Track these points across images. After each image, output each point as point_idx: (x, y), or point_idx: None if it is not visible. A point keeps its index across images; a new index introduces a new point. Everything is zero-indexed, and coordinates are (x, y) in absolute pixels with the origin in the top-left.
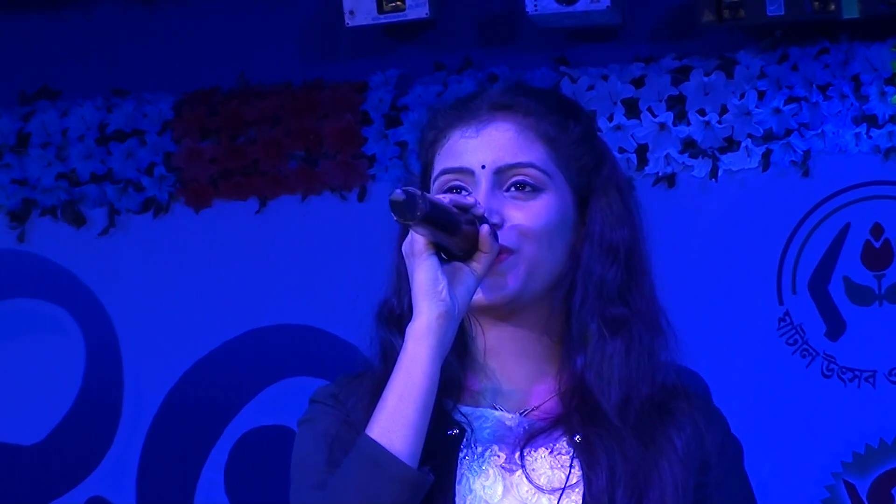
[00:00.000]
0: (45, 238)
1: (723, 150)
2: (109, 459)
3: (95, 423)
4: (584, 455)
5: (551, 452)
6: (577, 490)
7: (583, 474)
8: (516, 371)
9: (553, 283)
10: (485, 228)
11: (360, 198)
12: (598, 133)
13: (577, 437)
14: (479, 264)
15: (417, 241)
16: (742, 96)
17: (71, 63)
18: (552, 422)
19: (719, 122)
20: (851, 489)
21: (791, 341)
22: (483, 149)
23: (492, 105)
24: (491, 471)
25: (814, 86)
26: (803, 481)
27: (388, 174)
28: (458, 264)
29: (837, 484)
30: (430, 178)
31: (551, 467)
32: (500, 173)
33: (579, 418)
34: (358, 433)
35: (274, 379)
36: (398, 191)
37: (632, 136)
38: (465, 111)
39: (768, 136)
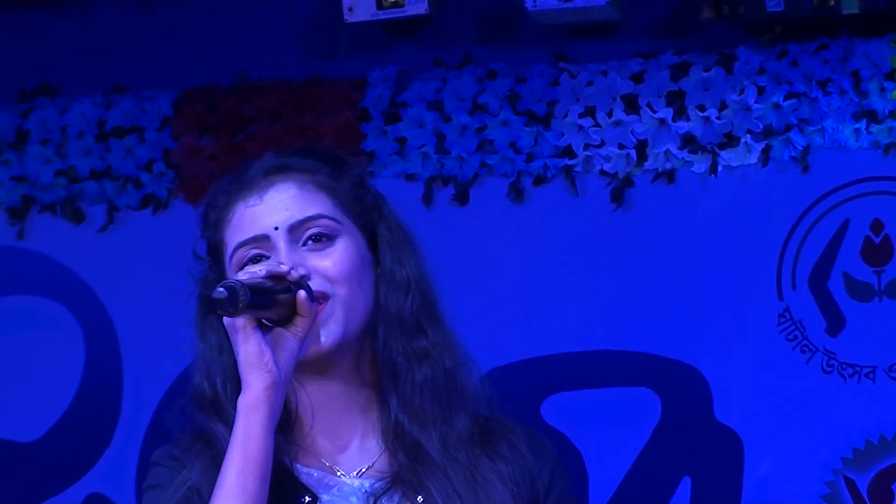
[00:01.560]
0: (45, 235)
1: (722, 146)
2: (108, 456)
3: (94, 420)
4: None
5: None
6: None
7: None
8: (345, 427)
9: (365, 327)
10: (301, 294)
11: None
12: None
13: (419, 498)
14: (298, 328)
15: (231, 321)
16: (741, 92)
17: (70, 60)
18: (389, 481)
19: (719, 118)
20: (851, 485)
21: (791, 337)
22: (270, 212)
23: (266, 171)
24: None
25: (813, 81)
26: (803, 477)
27: (388, 170)
28: (279, 330)
29: (837, 480)
30: (223, 255)
31: None
32: (293, 230)
33: (408, 466)
34: (203, 499)
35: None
36: (220, 289)
37: (631, 131)
38: (242, 183)
39: (768, 132)
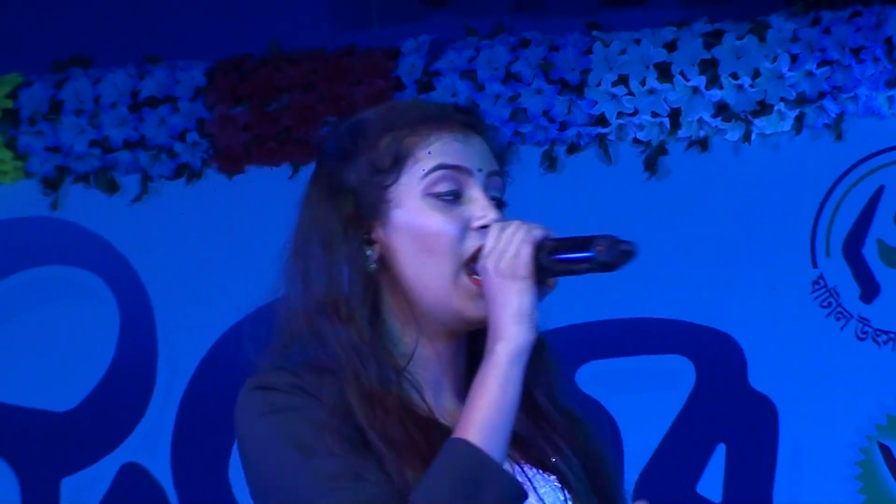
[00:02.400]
0: (79, 205)
1: (756, 114)
2: (143, 426)
3: (129, 389)
4: (567, 475)
5: (538, 472)
6: None
7: (571, 493)
8: (446, 385)
9: None
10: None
11: None
12: None
13: (554, 459)
14: (542, 294)
15: (525, 266)
16: (774, 60)
17: (103, 30)
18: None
19: (752, 86)
20: (886, 451)
21: (825, 304)
22: (475, 153)
23: (464, 121)
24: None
25: (846, 49)
26: (838, 444)
27: None
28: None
29: (872, 446)
30: (403, 166)
31: (550, 488)
32: (489, 178)
33: (532, 429)
34: (355, 431)
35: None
36: (631, 244)
37: (664, 100)
38: (443, 118)
39: (801, 100)
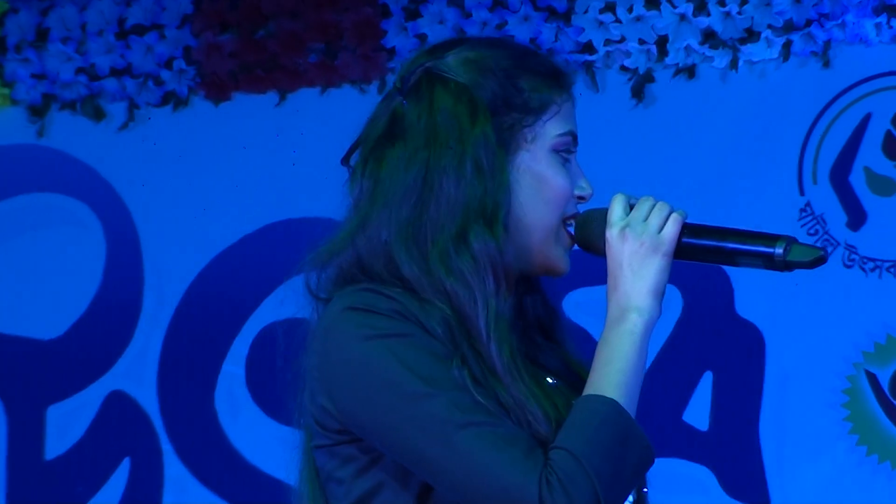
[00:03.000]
0: (65, 133)
1: (743, 41)
2: (130, 354)
3: (115, 317)
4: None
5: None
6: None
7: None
8: None
9: None
10: None
11: (380, 90)
12: None
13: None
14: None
15: (670, 243)
16: None
17: None
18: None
19: (739, 13)
20: (872, 379)
21: (812, 231)
22: (574, 120)
23: (569, 85)
24: None
25: None
26: (824, 371)
27: None
28: None
29: (858, 374)
30: (541, 116)
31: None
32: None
33: (541, 345)
34: (472, 365)
35: (294, 272)
36: (824, 250)
37: (652, 27)
38: (567, 80)
39: (788, 27)
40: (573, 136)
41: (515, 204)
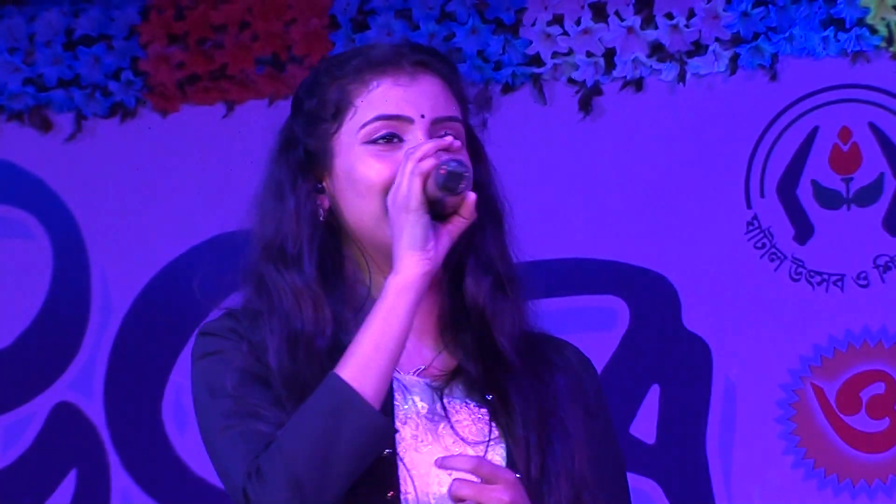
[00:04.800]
0: (12, 143)
1: (690, 54)
2: (76, 365)
3: (62, 328)
4: (498, 407)
5: (468, 405)
6: (500, 444)
7: (499, 427)
8: (428, 329)
9: None
10: (472, 196)
11: None
12: None
13: (489, 398)
14: (455, 227)
15: (414, 197)
16: (710, 0)
17: None
18: (447, 379)
19: (687, 26)
20: (820, 393)
21: (759, 245)
22: (419, 99)
23: (415, 61)
24: (419, 421)
25: None
26: (771, 385)
27: None
28: (438, 224)
29: (806, 387)
30: (343, 118)
31: (472, 420)
32: (434, 124)
33: (482, 370)
34: (269, 371)
35: (241, 284)
36: (456, 164)
37: (599, 39)
38: (388, 63)
39: (736, 40)
40: (387, 118)
41: (346, 211)
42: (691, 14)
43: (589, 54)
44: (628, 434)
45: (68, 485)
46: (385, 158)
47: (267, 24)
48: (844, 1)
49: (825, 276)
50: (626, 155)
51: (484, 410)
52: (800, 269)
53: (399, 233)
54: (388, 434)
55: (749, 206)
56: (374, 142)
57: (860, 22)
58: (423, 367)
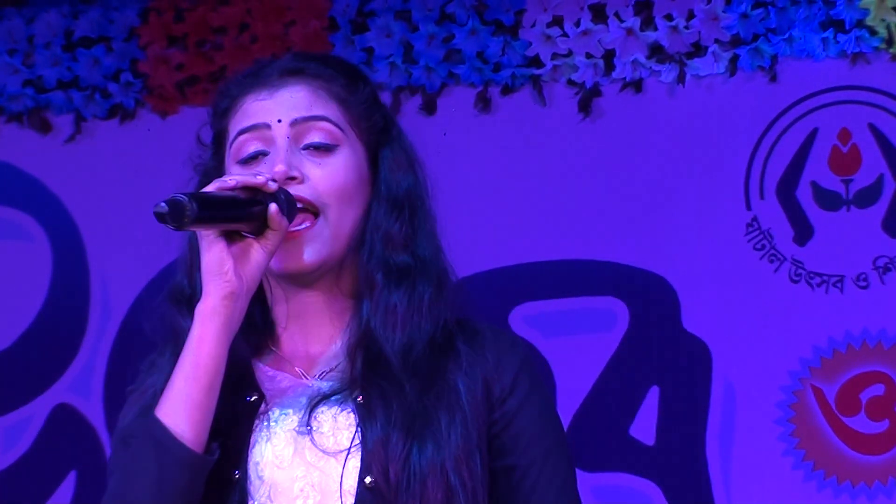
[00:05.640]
0: (12, 145)
1: (690, 56)
2: (76, 367)
3: (62, 329)
4: (363, 414)
5: (336, 414)
6: (356, 453)
7: (361, 436)
8: (317, 333)
9: (350, 244)
10: (272, 207)
11: None
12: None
13: (359, 398)
14: (268, 241)
15: (192, 224)
16: (709, 1)
17: None
18: (343, 381)
19: (686, 28)
20: (819, 394)
21: (759, 246)
22: (276, 106)
23: (283, 71)
24: (283, 435)
25: None
26: (771, 386)
27: None
28: (249, 241)
29: (805, 389)
30: (224, 144)
31: (336, 429)
32: (296, 126)
33: (363, 371)
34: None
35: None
36: (162, 203)
37: (599, 41)
38: (256, 78)
39: (735, 41)
40: (245, 131)
41: None
42: (691, 15)
43: (588, 56)
44: (628, 435)
45: (68, 486)
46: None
47: (266, 26)
48: (844, 2)
49: (825, 278)
50: (625, 156)
51: (350, 418)
52: (799, 271)
53: (201, 260)
54: (203, 467)
55: (749, 208)
56: (243, 161)
57: (860, 23)
58: (329, 370)
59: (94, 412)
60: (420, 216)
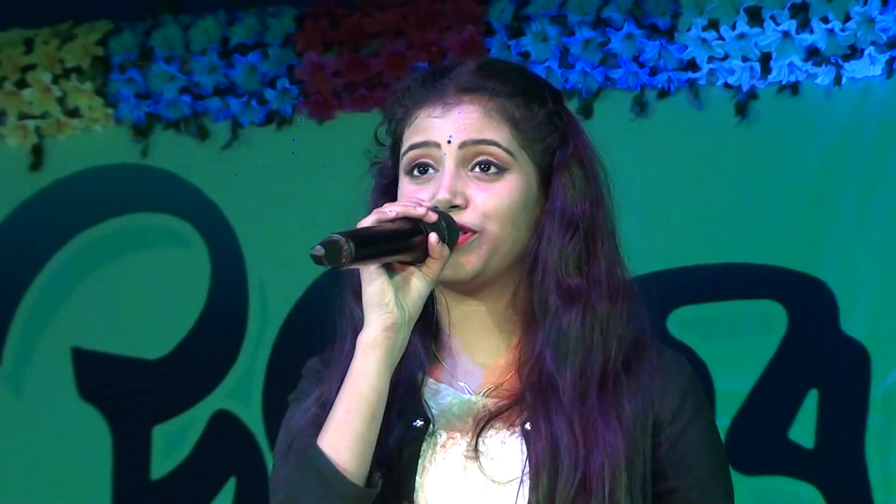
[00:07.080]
0: (169, 152)
1: (846, 58)
2: (235, 373)
3: (221, 336)
4: (531, 442)
5: (504, 439)
6: (526, 483)
7: (529, 466)
8: (481, 345)
9: (516, 258)
10: (433, 237)
11: None
12: (565, 109)
13: (527, 424)
14: (431, 269)
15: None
16: (865, 3)
17: None
18: (510, 402)
19: (842, 30)
20: None
21: None
22: (447, 125)
23: (459, 88)
24: (451, 460)
25: None
26: None
27: None
28: (411, 269)
29: None
30: (398, 150)
31: (504, 456)
32: (464, 148)
33: (533, 396)
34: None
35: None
36: (318, 246)
37: (755, 44)
38: (433, 91)
39: (892, 43)
40: (417, 146)
41: None
42: (847, 17)
43: (744, 59)
44: (787, 439)
45: (227, 492)
46: (422, 187)
47: (422, 32)
48: None
49: None
50: (782, 159)
51: (516, 445)
52: None
53: (363, 290)
54: (365, 500)
55: None
56: (409, 172)
57: None
58: (494, 387)
59: (253, 419)
60: (595, 234)
